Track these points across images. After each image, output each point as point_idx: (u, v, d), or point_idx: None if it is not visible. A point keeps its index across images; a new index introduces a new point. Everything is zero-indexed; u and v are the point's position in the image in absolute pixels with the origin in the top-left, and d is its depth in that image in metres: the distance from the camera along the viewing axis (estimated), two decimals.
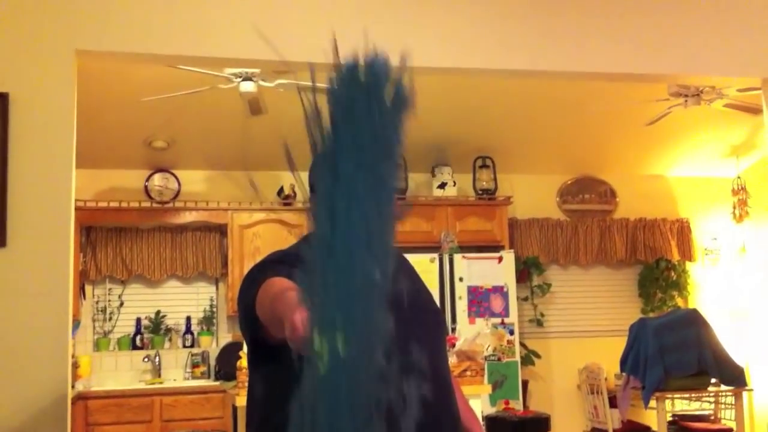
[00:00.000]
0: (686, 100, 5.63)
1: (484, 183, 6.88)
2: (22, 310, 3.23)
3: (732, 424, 6.22)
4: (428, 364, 1.78)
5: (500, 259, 6.44)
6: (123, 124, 5.90)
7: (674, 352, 6.06)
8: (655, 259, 7.37)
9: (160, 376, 6.34)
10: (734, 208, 7.52)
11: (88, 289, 6.45)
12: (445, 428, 1.79)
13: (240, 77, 4.83)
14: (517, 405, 6.18)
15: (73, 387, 5.37)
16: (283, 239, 6.46)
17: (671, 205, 7.59)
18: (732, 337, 6.77)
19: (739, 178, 7.46)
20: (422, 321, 1.85)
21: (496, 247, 6.65)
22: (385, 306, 1.02)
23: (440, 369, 1.88)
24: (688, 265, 7.50)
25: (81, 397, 5.66)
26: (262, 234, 6.44)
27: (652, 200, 7.51)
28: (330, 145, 1.02)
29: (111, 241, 6.43)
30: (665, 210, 7.54)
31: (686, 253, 7.49)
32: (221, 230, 6.55)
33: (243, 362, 4.52)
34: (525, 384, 6.56)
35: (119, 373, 6.36)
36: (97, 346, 6.38)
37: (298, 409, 1.00)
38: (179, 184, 6.49)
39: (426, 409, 1.73)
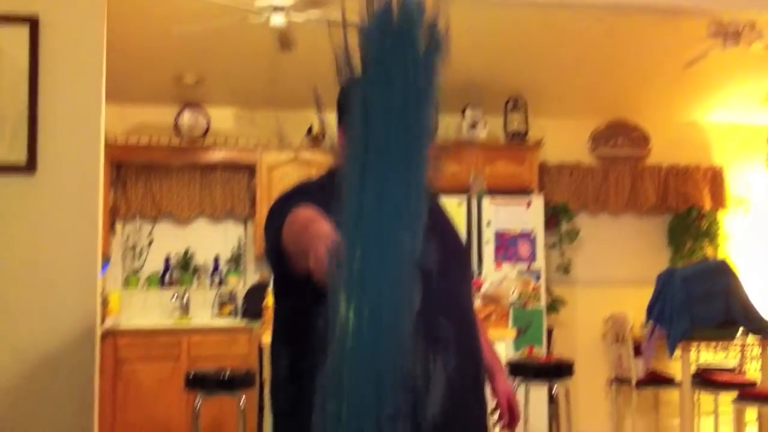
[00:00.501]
0: (725, 41, 5.47)
1: (515, 125, 6.78)
2: (51, 236, 3.25)
3: (758, 376, 6.19)
4: (451, 301, 1.78)
5: (529, 203, 6.39)
6: (152, 58, 5.88)
7: (702, 302, 6.01)
8: (686, 207, 7.26)
9: (188, 314, 6.42)
10: None
11: (118, 226, 6.51)
12: (468, 367, 1.78)
13: (270, 9, 4.74)
14: (540, 351, 6.19)
15: (102, 323, 5.45)
16: None
17: (705, 153, 7.45)
18: (761, 288, 6.69)
19: None
20: (446, 258, 1.83)
21: (525, 192, 6.58)
22: (416, 273, 0.99)
23: (464, 307, 1.86)
24: (720, 214, 7.39)
25: (110, 333, 5.75)
26: (291, 174, 6.42)
27: (685, 147, 7.37)
28: (361, 91, 0.98)
29: (141, 178, 6.45)
30: (698, 157, 7.40)
31: (718, 202, 7.38)
32: (250, 169, 6.55)
33: (269, 301, 4.55)
34: (549, 331, 6.56)
35: (148, 310, 6.44)
36: (127, 283, 6.46)
37: (325, 379, 1.00)
38: (208, 121, 6.46)
39: (449, 347, 1.72)
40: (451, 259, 1.85)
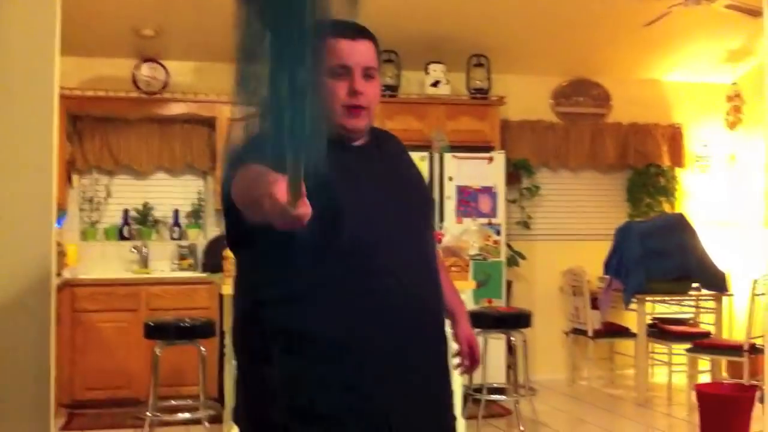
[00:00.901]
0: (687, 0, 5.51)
1: (478, 82, 6.78)
2: (5, 185, 3.20)
3: (711, 329, 6.34)
4: (398, 242, 1.81)
5: (490, 159, 6.42)
6: (110, 10, 5.76)
7: (658, 256, 6.12)
8: (645, 164, 7.35)
9: (147, 267, 6.38)
10: (728, 115, 7.47)
11: (75, 179, 6.42)
12: (413, 302, 1.79)
13: None
14: (500, 304, 6.26)
15: (59, 275, 5.39)
16: None
17: (665, 111, 7.53)
18: (717, 244, 6.82)
19: (734, 84, 7.39)
20: (402, 198, 1.90)
21: (487, 148, 6.60)
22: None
23: (416, 250, 1.87)
24: (678, 172, 7.50)
25: (68, 285, 5.70)
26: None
27: (646, 105, 7.44)
28: None
29: (98, 131, 6.36)
30: (658, 115, 7.48)
31: (677, 160, 7.48)
32: (210, 123, 6.48)
33: (229, 252, 4.54)
34: (509, 284, 6.63)
35: (107, 262, 6.38)
36: (84, 235, 6.39)
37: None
38: (167, 74, 6.37)
39: (398, 284, 1.76)
40: (404, 205, 1.89)
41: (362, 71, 1.81)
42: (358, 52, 1.80)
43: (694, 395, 5.09)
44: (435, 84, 6.69)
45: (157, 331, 4.49)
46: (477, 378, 5.18)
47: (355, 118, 1.81)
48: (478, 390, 5.17)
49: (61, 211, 5.98)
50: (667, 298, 6.43)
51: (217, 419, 4.84)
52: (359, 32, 1.82)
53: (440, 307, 1.93)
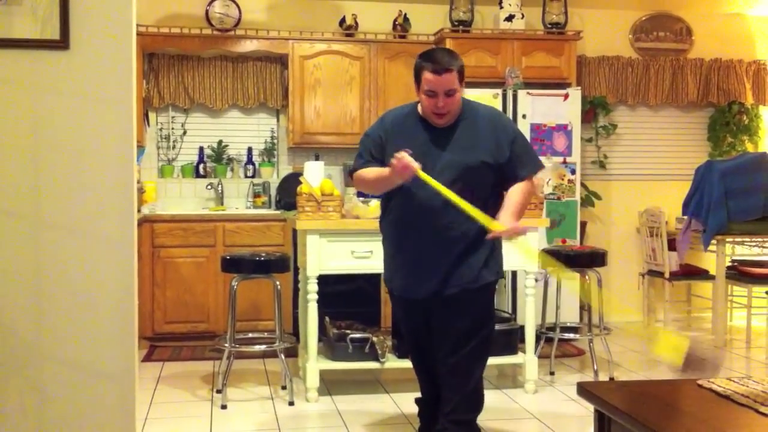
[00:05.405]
0: None
1: (554, 16, 6.59)
2: (86, 111, 3.24)
3: None
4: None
5: (566, 96, 6.26)
6: None
7: (740, 195, 5.94)
8: (727, 102, 7.10)
9: (222, 204, 6.47)
10: None
11: (152, 116, 6.51)
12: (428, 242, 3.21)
13: None
14: (574, 244, 6.17)
15: (139, 211, 5.50)
16: (344, 71, 6.37)
17: (749, 46, 7.22)
18: None
19: None
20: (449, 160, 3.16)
21: (562, 85, 6.45)
22: None
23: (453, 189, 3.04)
24: (762, 110, 7.22)
25: (147, 220, 5.83)
26: (323, 65, 6.35)
27: (729, 40, 7.15)
28: None
29: (173, 68, 6.41)
30: (742, 51, 7.19)
31: (761, 97, 7.20)
32: (282, 61, 6.47)
33: (303, 188, 4.55)
34: (583, 225, 6.53)
35: (183, 199, 6.50)
36: (162, 173, 6.50)
37: None
38: (240, 11, 6.36)
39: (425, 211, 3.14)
40: (448, 164, 3.14)
41: (444, 93, 3.08)
42: (441, 84, 3.06)
43: None
44: (509, 18, 6.53)
45: (233, 265, 4.57)
46: (550, 317, 5.15)
47: (439, 119, 3.16)
48: (551, 329, 5.14)
49: (140, 148, 6.08)
50: (747, 240, 6.25)
51: (292, 352, 4.93)
52: (445, 69, 3.05)
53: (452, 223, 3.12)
